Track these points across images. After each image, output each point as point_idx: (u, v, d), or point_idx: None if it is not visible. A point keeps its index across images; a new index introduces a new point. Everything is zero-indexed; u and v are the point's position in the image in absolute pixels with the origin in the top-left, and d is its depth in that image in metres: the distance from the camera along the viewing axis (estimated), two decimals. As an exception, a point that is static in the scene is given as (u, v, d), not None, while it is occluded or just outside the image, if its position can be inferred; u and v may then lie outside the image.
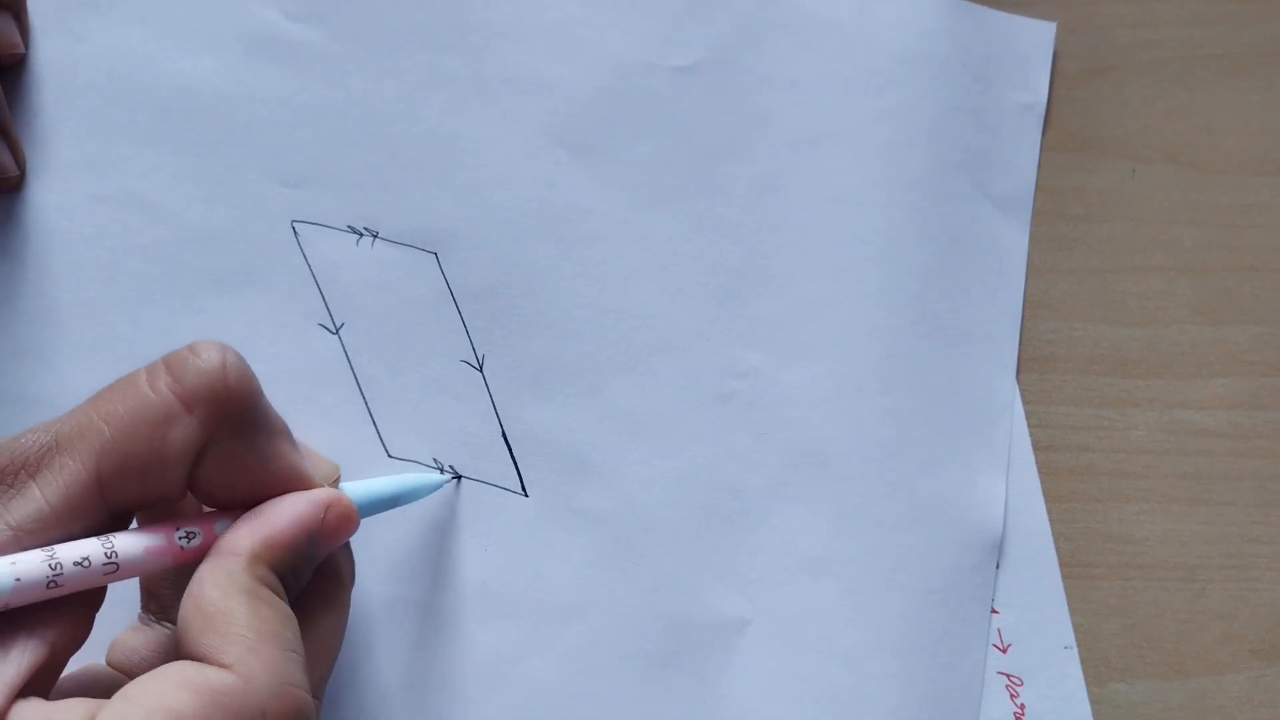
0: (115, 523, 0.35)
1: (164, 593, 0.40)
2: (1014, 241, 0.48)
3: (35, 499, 0.33)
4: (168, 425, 0.34)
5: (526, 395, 0.45)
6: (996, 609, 0.46)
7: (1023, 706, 0.45)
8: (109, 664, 0.39)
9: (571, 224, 0.46)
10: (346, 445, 0.44)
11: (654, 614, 0.44)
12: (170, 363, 0.35)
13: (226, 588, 0.34)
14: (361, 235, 0.45)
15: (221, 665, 0.33)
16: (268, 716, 0.33)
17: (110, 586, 0.35)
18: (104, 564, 0.34)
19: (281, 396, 0.44)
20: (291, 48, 0.46)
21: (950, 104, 0.48)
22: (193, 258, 0.45)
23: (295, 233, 0.45)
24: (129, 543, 0.34)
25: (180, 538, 0.35)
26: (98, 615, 0.35)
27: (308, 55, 0.46)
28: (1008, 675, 0.45)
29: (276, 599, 0.35)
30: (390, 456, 0.44)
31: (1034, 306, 0.48)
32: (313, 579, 0.37)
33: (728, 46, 0.47)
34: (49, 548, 0.33)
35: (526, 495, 0.45)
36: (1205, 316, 0.48)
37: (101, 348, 0.44)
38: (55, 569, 0.33)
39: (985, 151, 0.48)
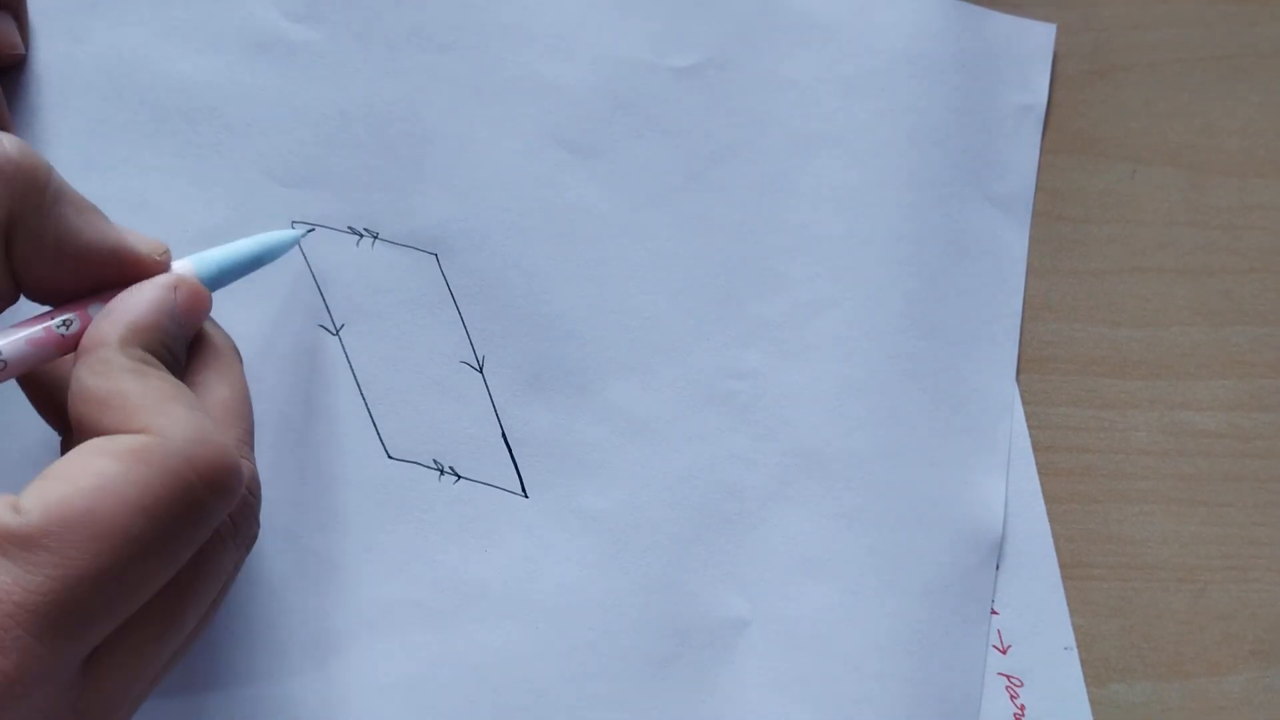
0: None
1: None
2: (1014, 242, 0.48)
3: None
4: None
5: (526, 396, 0.45)
6: (996, 609, 0.46)
7: (1023, 707, 0.45)
8: None
9: (571, 224, 0.46)
10: (346, 445, 0.44)
11: (654, 614, 0.44)
12: None
13: (106, 372, 0.34)
14: (362, 236, 0.45)
15: (132, 432, 0.32)
16: (194, 463, 0.32)
17: None
18: None
19: (281, 396, 0.44)
20: (291, 48, 0.46)
21: (950, 105, 0.48)
22: (193, 258, 0.45)
23: (295, 233, 0.45)
24: (8, 339, 0.35)
25: (58, 326, 0.36)
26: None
27: (308, 55, 0.46)
28: (1008, 676, 0.45)
29: (162, 370, 0.35)
30: (390, 457, 0.44)
31: (1034, 308, 0.48)
32: (194, 357, 0.38)
33: (728, 47, 0.47)
34: None
35: (526, 496, 0.45)
36: (1205, 318, 0.48)
37: (101, 348, 0.44)
38: None
39: (985, 152, 0.48)
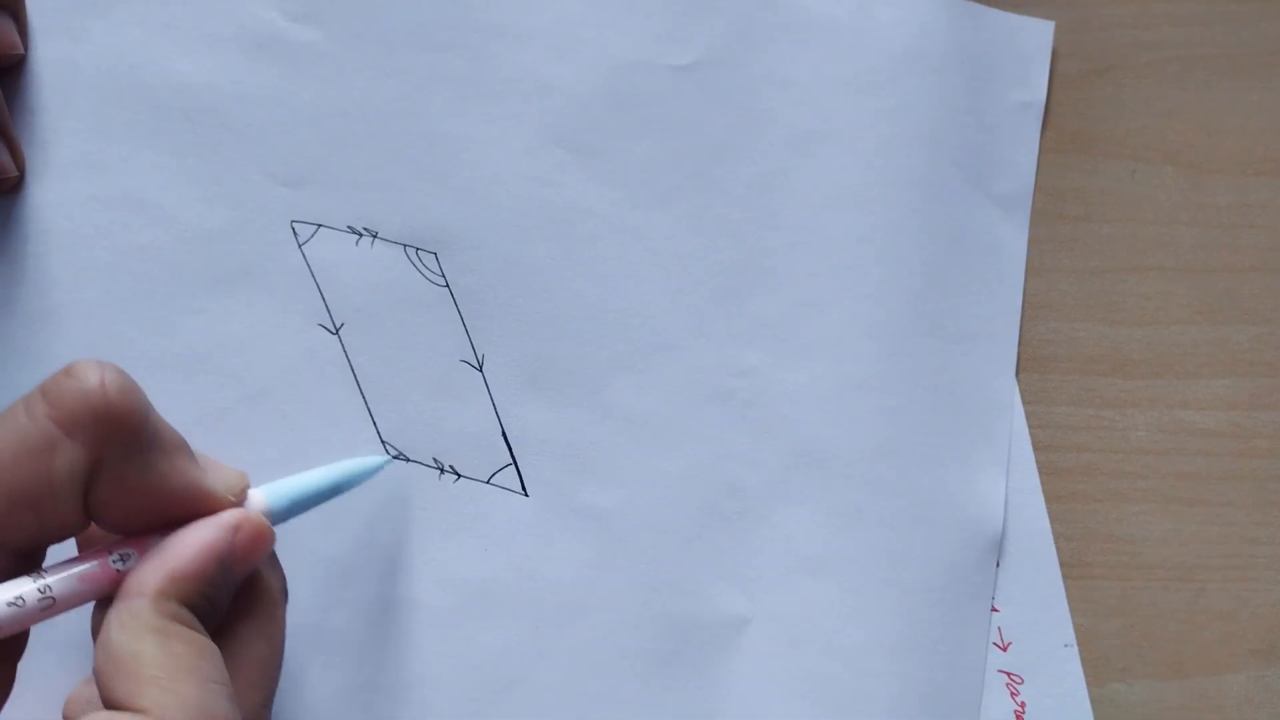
0: (22, 564, 0.34)
1: None
2: (1014, 239, 0.48)
3: None
4: (50, 453, 0.32)
5: (526, 395, 0.45)
6: (997, 607, 0.46)
7: (1023, 704, 0.45)
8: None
9: (571, 224, 0.46)
10: (346, 445, 0.44)
11: (654, 613, 0.44)
12: (46, 389, 0.33)
13: (133, 629, 0.32)
14: (361, 235, 0.45)
15: (136, 710, 0.31)
16: None
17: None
18: (39, 599, 0.33)
19: (281, 396, 0.44)
20: (291, 48, 0.46)
21: (949, 103, 0.48)
22: (193, 258, 0.45)
23: (295, 233, 0.45)
24: (63, 574, 0.33)
25: (114, 561, 0.34)
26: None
27: (307, 55, 0.46)
28: (1008, 673, 0.45)
29: (190, 632, 0.33)
30: (392, 456, 0.44)
31: (1034, 307, 0.48)
32: (240, 602, 0.36)
33: (727, 46, 0.47)
34: None
35: (527, 495, 0.45)
36: (1205, 317, 0.48)
37: (101, 348, 0.44)
38: None
39: (985, 150, 0.48)
